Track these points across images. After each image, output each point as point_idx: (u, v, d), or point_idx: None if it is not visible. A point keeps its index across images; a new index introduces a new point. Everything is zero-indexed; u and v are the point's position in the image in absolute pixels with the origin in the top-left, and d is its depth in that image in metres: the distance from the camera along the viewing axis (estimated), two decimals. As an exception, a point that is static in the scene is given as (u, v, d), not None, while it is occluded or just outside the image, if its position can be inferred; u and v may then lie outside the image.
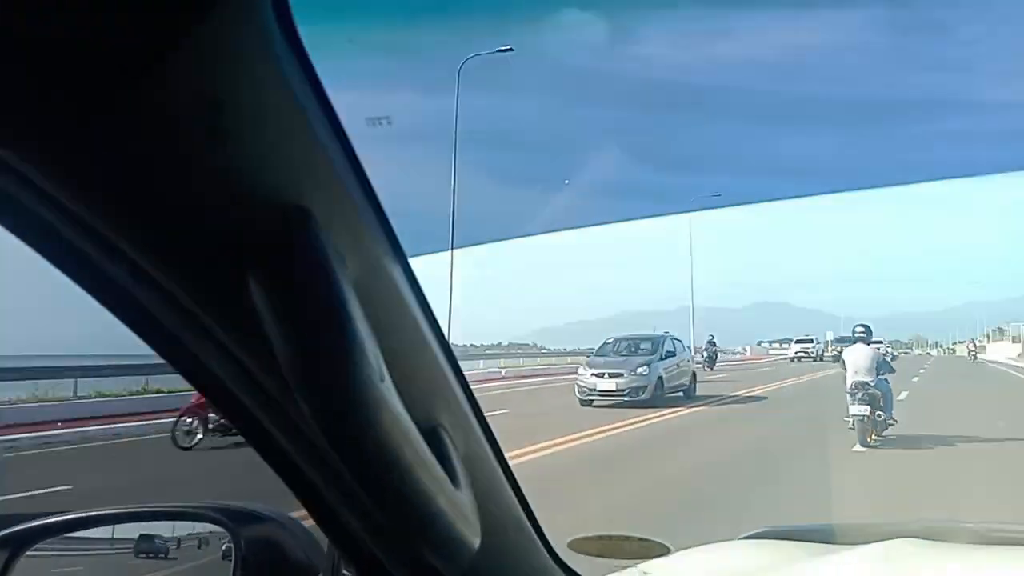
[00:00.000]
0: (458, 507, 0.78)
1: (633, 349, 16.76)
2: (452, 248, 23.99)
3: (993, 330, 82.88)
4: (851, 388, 9.62)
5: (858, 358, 9.95)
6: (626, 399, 14.76)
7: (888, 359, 11.23)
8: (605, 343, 17.97)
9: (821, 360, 42.05)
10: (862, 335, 10.59)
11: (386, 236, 0.69)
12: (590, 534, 1.66)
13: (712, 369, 28.60)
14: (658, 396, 15.01)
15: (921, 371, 25.35)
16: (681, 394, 16.22)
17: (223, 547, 1.17)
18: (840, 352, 12.74)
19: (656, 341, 17.00)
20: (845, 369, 10.05)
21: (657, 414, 13.43)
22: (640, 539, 1.66)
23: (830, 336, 76.99)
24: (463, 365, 0.87)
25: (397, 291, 0.72)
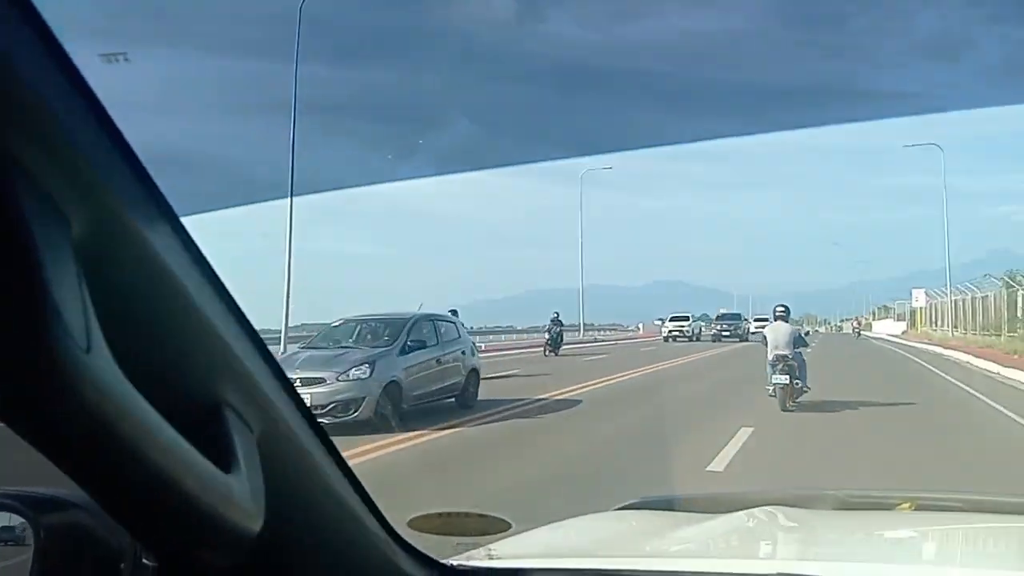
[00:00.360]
0: (219, 491, 0.72)
1: (371, 336, 11.27)
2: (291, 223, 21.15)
3: (878, 308, 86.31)
4: (772, 361, 10.83)
5: (778, 335, 11.17)
6: (329, 420, 8.95)
7: (803, 335, 12.32)
8: (333, 327, 12.17)
9: (698, 340, 40.66)
10: (782, 314, 11.76)
11: (143, 195, 0.64)
12: (430, 512, 1.59)
13: (556, 353, 25.64)
14: (389, 412, 9.64)
15: (810, 348, 28.81)
16: (453, 400, 11.43)
17: (21, 536, 1.06)
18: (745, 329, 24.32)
19: (399, 324, 11.07)
20: (767, 345, 11.23)
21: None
22: (480, 515, 1.60)
23: (722, 312, 77.55)
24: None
25: (154, 256, 0.64)
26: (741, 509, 1.67)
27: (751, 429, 8.91)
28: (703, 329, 44.43)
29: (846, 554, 1.50)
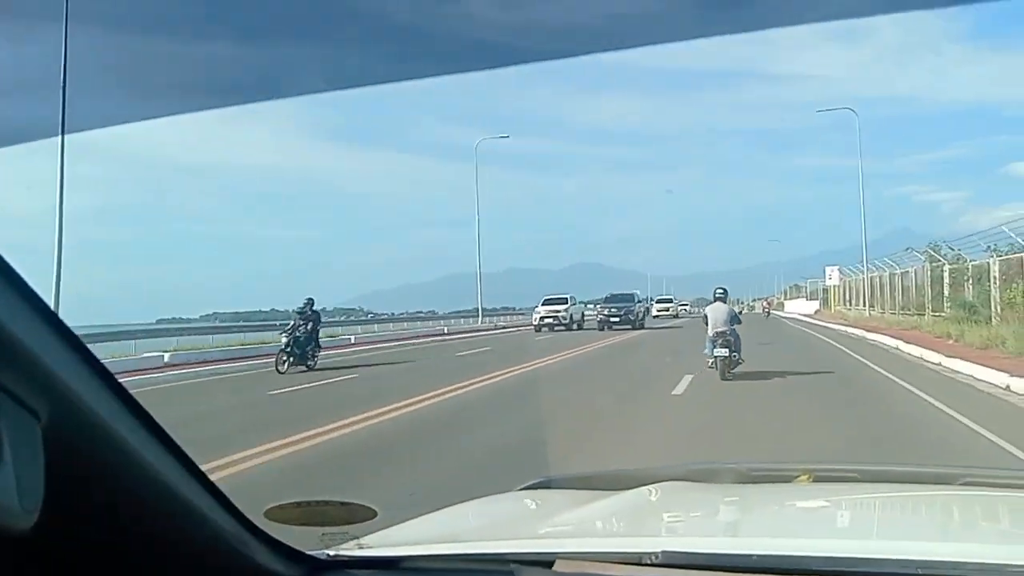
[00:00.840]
0: None
1: None
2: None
3: (790, 287, 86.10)
4: (712, 337, 12.54)
5: (717, 314, 12.85)
6: None
7: (738, 313, 13.84)
8: None
9: (580, 328, 33.33)
10: (720, 296, 13.39)
11: None
12: (286, 501, 1.46)
13: (309, 367, 16.20)
14: None
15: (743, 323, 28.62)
16: None
17: None
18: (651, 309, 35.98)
19: None
20: (707, 323, 12.90)
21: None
22: (342, 503, 1.51)
23: (611, 294, 74.09)
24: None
25: None
26: (644, 485, 1.70)
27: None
28: (584, 314, 37.08)
29: (738, 528, 1.56)
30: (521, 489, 1.88)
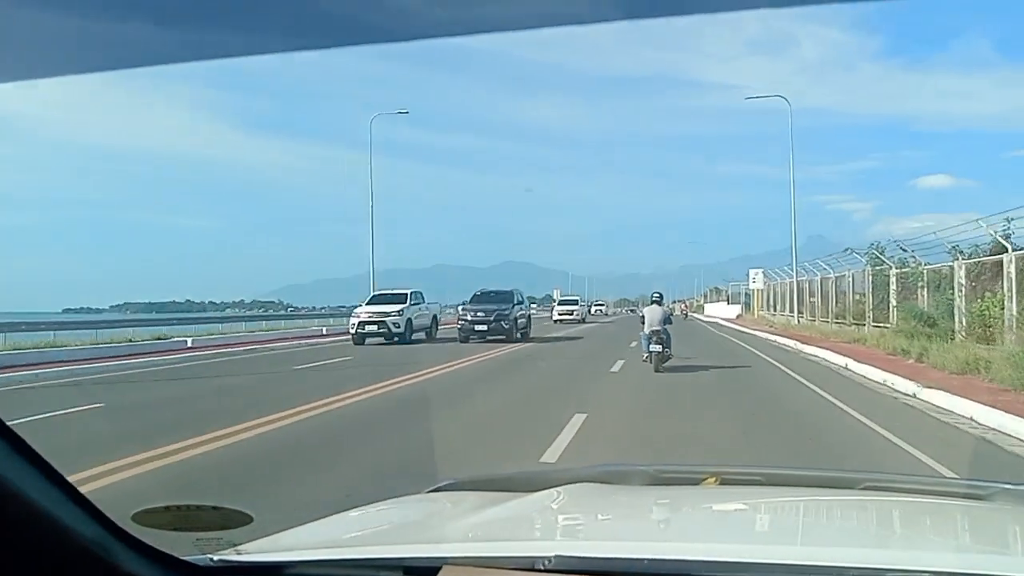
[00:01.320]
0: None
1: None
2: None
3: (710, 289, 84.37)
4: (648, 334, 14.20)
5: (653, 315, 14.44)
6: None
7: (670, 317, 15.67)
8: None
9: (431, 338, 25.04)
10: (656, 299, 15.10)
11: None
12: (156, 505, 1.41)
13: None
14: None
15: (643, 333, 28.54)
16: None
17: None
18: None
19: None
20: (643, 323, 14.54)
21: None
22: (215, 507, 1.45)
23: (557, 294, 69.90)
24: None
25: None
26: (554, 487, 1.69)
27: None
28: (435, 319, 27.16)
29: (636, 532, 1.55)
30: (430, 491, 1.84)
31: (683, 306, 63.48)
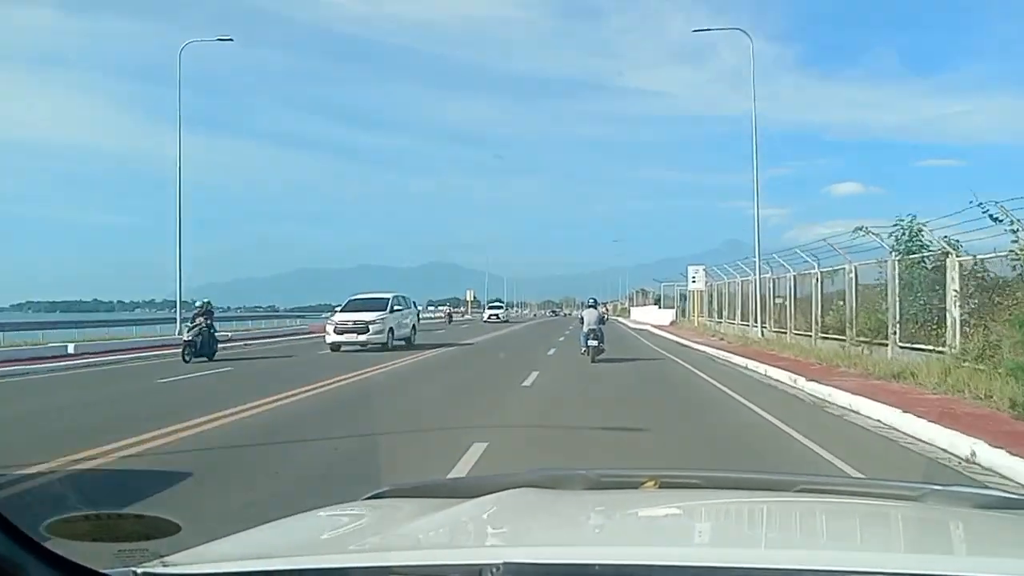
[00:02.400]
0: None
1: None
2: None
3: (636, 291, 77.26)
4: (586, 332, 17.55)
5: (590, 316, 17.94)
6: None
7: (605, 317, 19.86)
8: None
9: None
10: (592, 304, 19.01)
11: None
12: (70, 514, 1.34)
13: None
14: None
15: (567, 331, 34.22)
16: None
17: None
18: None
19: None
20: (583, 322, 18.12)
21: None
22: (138, 516, 1.42)
23: (470, 296, 70.49)
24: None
25: None
26: (491, 493, 1.67)
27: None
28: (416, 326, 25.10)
29: (582, 537, 1.54)
30: (366, 499, 1.80)
31: (603, 309, 56.46)
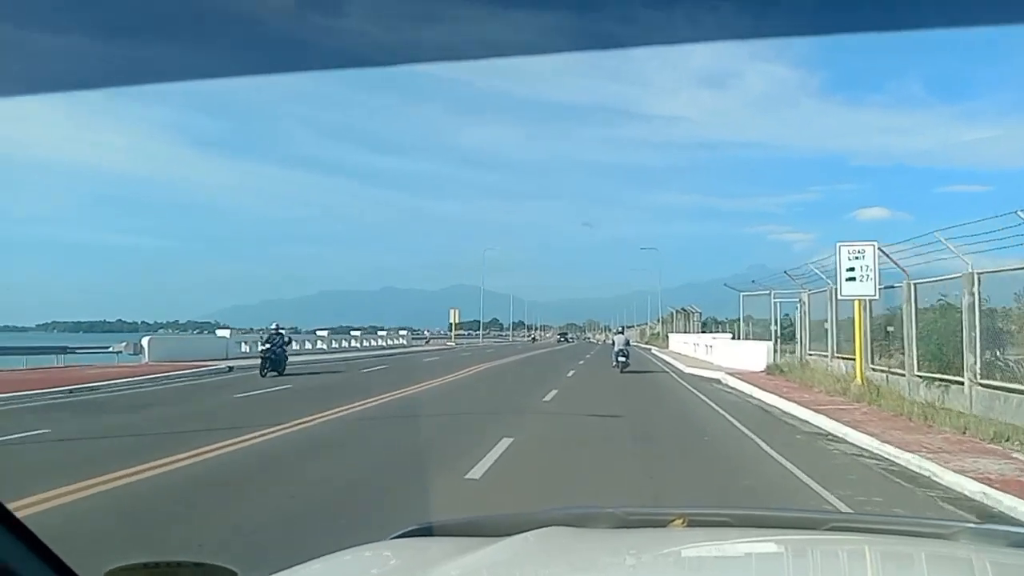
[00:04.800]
0: None
1: None
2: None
3: (675, 311, 57.68)
4: (616, 352, 24.68)
5: (619, 340, 25.57)
6: None
7: (629, 341, 27.74)
8: None
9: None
10: (620, 331, 30.35)
11: None
12: (133, 562, 1.34)
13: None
14: None
15: (588, 355, 39.55)
16: None
17: None
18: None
19: None
20: (614, 344, 26.20)
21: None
22: (196, 564, 1.43)
23: (454, 317, 62.02)
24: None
25: None
26: (523, 531, 1.65)
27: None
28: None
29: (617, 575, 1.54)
30: (394, 538, 1.78)
31: (621, 336, 39.53)
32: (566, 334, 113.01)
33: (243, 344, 32.06)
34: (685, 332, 44.88)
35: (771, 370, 21.94)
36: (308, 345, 38.63)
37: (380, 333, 54.02)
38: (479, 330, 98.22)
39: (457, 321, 64.64)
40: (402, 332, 59.20)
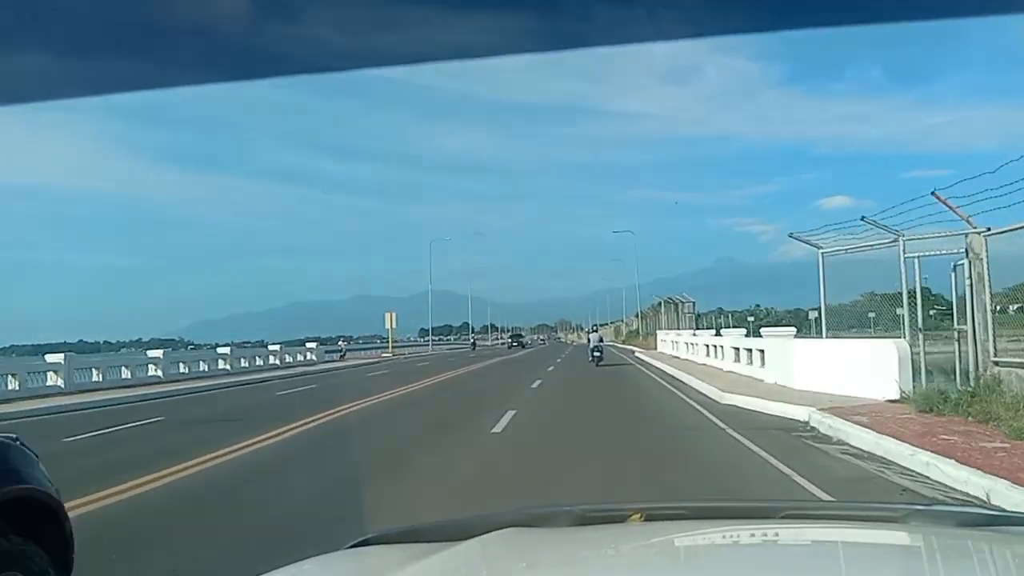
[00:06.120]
0: None
1: None
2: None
3: (660, 302, 53.83)
4: (592, 348, 28.81)
5: (594, 338, 30.60)
6: None
7: (603, 339, 35.05)
8: None
9: None
10: (595, 328, 38.66)
11: None
12: None
13: None
14: None
15: (565, 353, 44.01)
16: None
17: None
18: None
19: None
20: (589, 342, 31.13)
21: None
22: None
23: (391, 320, 53.95)
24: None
25: None
26: (481, 534, 1.66)
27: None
28: None
29: (575, 573, 1.56)
30: (350, 547, 1.74)
31: (594, 335, 36.31)
32: (520, 335, 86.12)
33: (181, 364, 29.07)
34: (675, 329, 38.10)
35: (916, 401, 10.42)
36: (204, 367, 30.64)
37: (272, 348, 40.44)
38: (449, 335, 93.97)
39: (394, 326, 55.72)
40: (310, 345, 47.14)
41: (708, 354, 23.96)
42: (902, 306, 12.54)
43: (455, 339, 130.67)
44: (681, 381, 19.13)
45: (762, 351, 17.50)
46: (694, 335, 29.47)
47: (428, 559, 1.50)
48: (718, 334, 26.54)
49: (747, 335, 23.89)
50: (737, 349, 19.92)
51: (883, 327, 14.25)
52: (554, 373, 26.34)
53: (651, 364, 28.09)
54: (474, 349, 67.67)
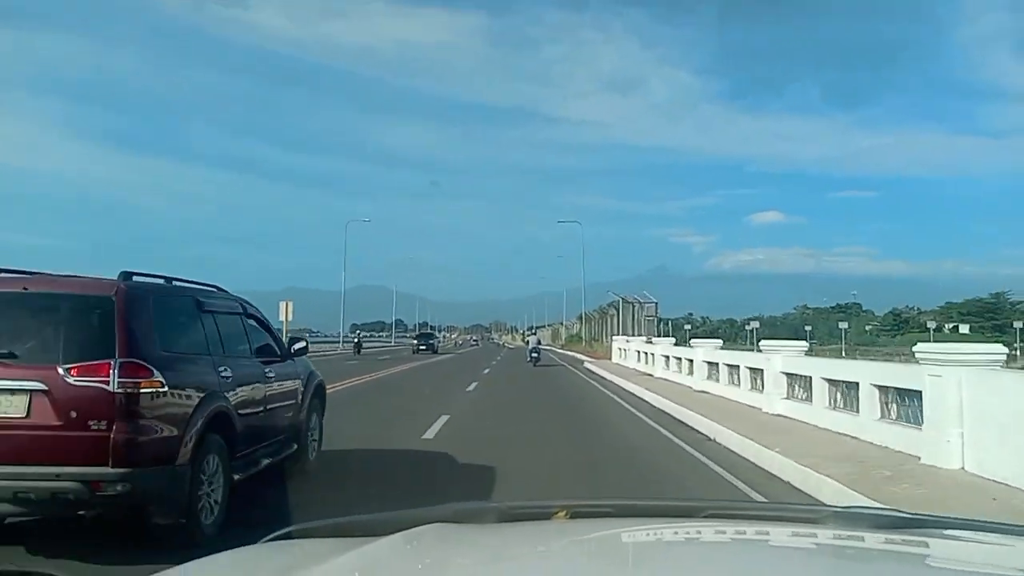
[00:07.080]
0: None
1: None
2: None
3: (616, 302, 49.32)
4: (529, 350, 34.98)
5: (531, 340, 37.93)
6: None
7: (540, 341, 40.78)
8: None
9: None
10: (532, 332, 50.96)
11: None
12: None
13: None
14: None
15: (499, 356, 47.59)
16: None
17: None
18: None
19: None
20: (527, 344, 39.48)
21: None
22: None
23: (286, 310, 46.78)
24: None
25: None
26: (404, 529, 1.63)
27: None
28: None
29: (507, 573, 1.55)
30: (266, 541, 1.68)
31: (532, 339, 38.45)
32: (429, 335, 70.99)
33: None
34: (629, 335, 34.31)
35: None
36: None
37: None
38: (382, 331, 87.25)
39: (290, 318, 45.30)
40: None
41: (717, 376, 16.75)
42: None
43: (386, 335, 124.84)
44: (683, 421, 12.63)
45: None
46: (668, 347, 23.29)
47: (348, 554, 1.46)
48: (686, 344, 22.62)
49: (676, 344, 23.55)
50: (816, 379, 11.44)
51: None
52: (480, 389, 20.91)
53: (617, 386, 20.86)
54: (359, 352, 49.16)
